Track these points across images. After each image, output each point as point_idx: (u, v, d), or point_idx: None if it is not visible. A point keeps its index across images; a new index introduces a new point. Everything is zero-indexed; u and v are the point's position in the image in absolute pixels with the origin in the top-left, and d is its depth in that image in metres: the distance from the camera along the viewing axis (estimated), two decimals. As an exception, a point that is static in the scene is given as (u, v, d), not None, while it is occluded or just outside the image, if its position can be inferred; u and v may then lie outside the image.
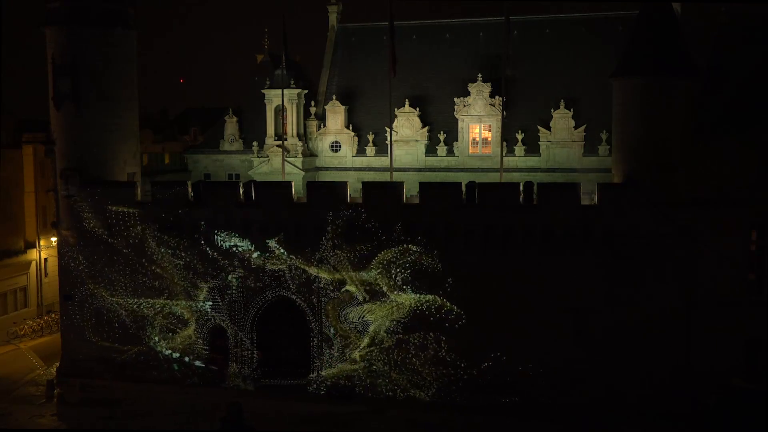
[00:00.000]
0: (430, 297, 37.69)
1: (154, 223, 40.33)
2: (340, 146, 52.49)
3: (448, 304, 37.58)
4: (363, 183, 40.26)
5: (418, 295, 37.81)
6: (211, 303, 40.40)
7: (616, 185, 38.04)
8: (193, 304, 40.58)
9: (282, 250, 39.04)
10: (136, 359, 41.32)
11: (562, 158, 48.13)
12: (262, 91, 52.32)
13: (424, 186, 38.70)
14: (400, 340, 38.25)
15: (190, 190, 40.45)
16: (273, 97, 51.95)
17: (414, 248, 37.61)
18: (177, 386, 40.21)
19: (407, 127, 50.59)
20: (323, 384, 39.20)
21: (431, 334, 37.86)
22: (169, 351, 40.98)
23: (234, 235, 39.60)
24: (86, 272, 41.52)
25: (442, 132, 50.26)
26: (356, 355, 38.79)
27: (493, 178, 44.35)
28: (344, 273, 38.49)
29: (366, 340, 38.65)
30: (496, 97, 48.35)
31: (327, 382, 39.14)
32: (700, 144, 36.28)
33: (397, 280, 37.92)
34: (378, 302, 38.31)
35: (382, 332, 38.39)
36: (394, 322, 38.19)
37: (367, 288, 38.36)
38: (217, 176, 54.02)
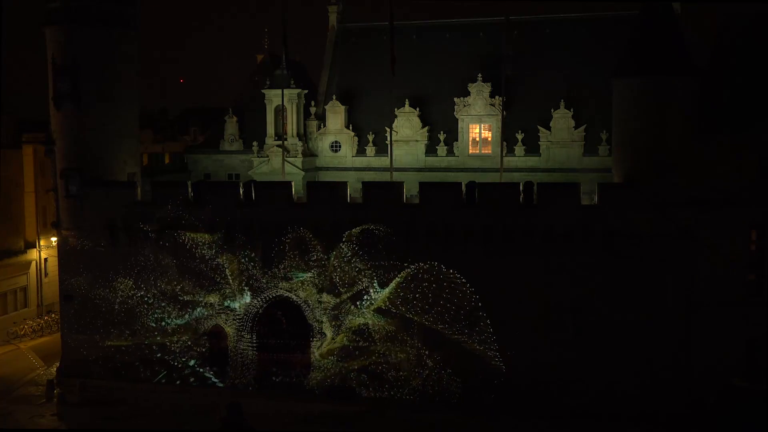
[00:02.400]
0: (426, 288, 37.72)
1: (153, 223, 40.33)
2: (340, 146, 52.45)
3: (446, 304, 37.57)
4: (363, 183, 40.29)
5: (412, 293, 37.83)
6: (210, 303, 40.40)
7: (616, 185, 38.04)
8: (193, 304, 40.58)
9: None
10: (136, 359, 41.31)
11: (562, 158, 48.10)
12: (262, 91, 52.26)
13: (424, 186, 38.70)
14: (397, 339, 38.24)
15: (190, 190, 40.48)
16: (273, 97, 51.88)
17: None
18: (177, 386, 40.24)
19: (407, 127, 50.53)
20: (323, 384, 39.19)
21: (429, 334, 37.87)
22: (169, 351, 40.97)
23: (233, 235, 39.61)
24: (86, 272, 41.52)
25: (442, 132, 50.19)
26: (355, 354, 38.81)
27: (493, 178, 44.31)
28: (340, 272, 38.53)
29: (363, 340, 38.63)
30: (496, 97, 48.28)
31: (327, 382, 39.13)
32: (700, 144, 36.27)
33: (390, 279, 37.97)
34: (371, 302, 38.33)
35: (378, 331, 38.37)
36: (390, 322, 38.20)
37: (361, 287, 38.40)
38: (217, 176, 53.91)
